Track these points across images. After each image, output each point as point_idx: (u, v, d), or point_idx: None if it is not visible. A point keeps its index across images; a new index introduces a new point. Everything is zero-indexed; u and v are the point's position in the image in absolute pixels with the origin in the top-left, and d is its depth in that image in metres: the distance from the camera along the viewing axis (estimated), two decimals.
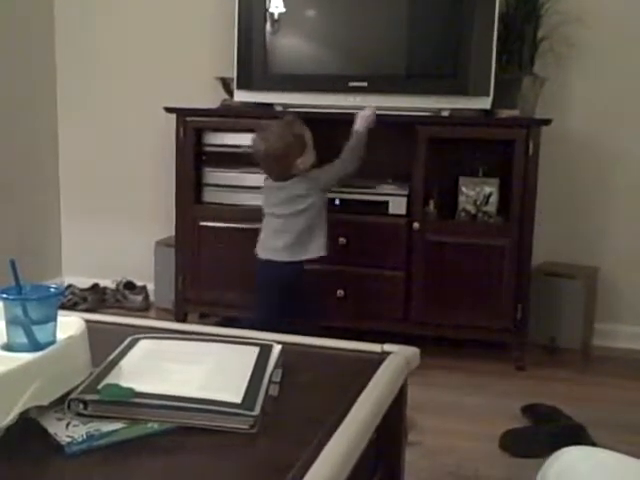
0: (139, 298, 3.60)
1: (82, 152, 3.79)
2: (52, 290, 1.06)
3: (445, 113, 2.93)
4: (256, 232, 2.99)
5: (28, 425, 0.94)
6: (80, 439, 0.91)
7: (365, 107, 2.74)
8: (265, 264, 2.64)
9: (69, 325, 1.07)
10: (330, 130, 2.77)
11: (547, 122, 2.81)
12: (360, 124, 2.68)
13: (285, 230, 2.60)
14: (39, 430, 0.94)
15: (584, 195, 3.22)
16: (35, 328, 1.01)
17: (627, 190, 3.18)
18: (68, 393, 0.98)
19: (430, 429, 2.29)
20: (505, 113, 2.92)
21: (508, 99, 2.96)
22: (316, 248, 2.62)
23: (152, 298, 3.62)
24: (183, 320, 3.20)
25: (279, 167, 2.59)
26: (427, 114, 2.94)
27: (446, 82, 2.92)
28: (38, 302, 1.03)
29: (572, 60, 3.14)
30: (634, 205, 3.18)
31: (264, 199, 2.70)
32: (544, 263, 3.17)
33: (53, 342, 1.02)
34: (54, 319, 1.04)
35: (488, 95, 2.85)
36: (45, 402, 0.94)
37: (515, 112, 2.93)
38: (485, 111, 2.94)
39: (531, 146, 2.79)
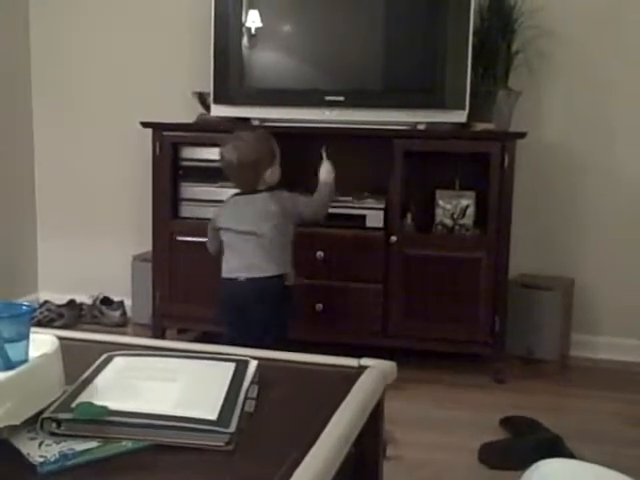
0: (116, 314, 3.56)
1: (58, 167, 3.76)
2: (24, 308, 1.05)
3: (421, 127, 2.94)
4: None
5: (0, 445, 0.92)
6: (53, 459, 0.90)
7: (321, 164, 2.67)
8: (241, 283, 2.51)
9: (42, 343, 1.06)
10: (307, 144, 2.79)
11: (522, 135, 2.84)
12: (326, 177, 2.63)
13: (256, 248, 2.50)
14: (11, 450, 0.92)
15: (559, 207, 3.25)
16: (7, 346, 0.99)
17: (601, 202, 3.21)
18: (41, 412, 0.97)
19: (409, 443, 2.28)
20: (481, 126, 2.94)
21: (484, 112, 2.98)
22: (282, 267, 2.55)
23: (129, 314, 3.59)
24: (161, 336, 3.18)
25: (248, 176, 2.53)
26: (403, 128, 2.95)
27: (422, 96, 2.94)
28: (10, 320, 1.01)
29: (546, 73, 3.18)
30: (608, 216, 3.21)
31: (228, 217, 2.57)
32: (521, 275, 3.19)
33: (26, 360, 1.01)
34: (27, 337, 1.02)
35: (464, 109, 2.87)
36: (17, 421, 0.93)
37: (490, 125, 2.96)
38: (461, 124, 2.96)
39: (506, 159, 2.81)
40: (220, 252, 2.62)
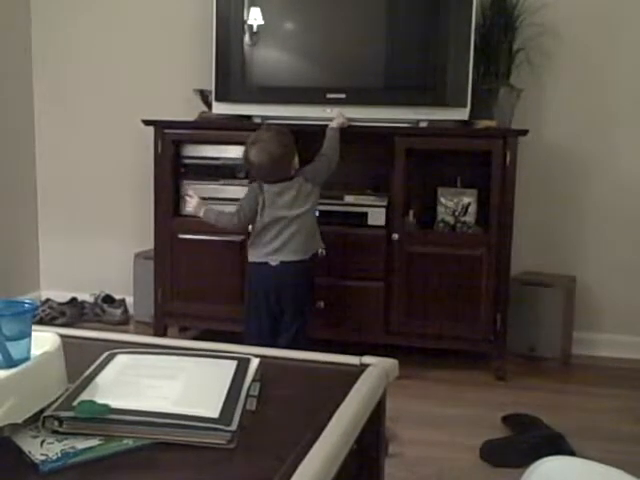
0: (118, 312, 3.57)
1: (60, 165, 3.76)
2: (26, 306, 1.05)
3: (423, 124, 2.94)
4: (235, 244, 2.99)
5: (1, 443, 0.92)
6: (55, 457, 0.90)
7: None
8: (278, 267, 2.64)
9: (44, 341, 1.06)
10: (308, 142, 2.78)
11: (524, 133, 2.83)
12: (334, 122, 2.85)
13: (298, 230, 2.64)
14: (13, 448, 0.92)
15: (561, 204, 3.25)
16: (9, 344, 0.99)
17: (603, 199, 3.21)
18: (43, 410, 0.97)
19: (410, 440, 2.29)
20: (483, 124, 2.94)
21: (485, 110, 2.98)
22: (317, 242, 2.75)
23: (131, 311, 3.59)
24: (163, 334, 3.18)
25: (282, 170, 2.65)
26: (405, 125, 2.95)
27: (424, 93, 2.93)
28: (12, 318, 1.01)
29: (547, 71, 3.18)
30: (610, 214, 3.21)
31: (266, 207, 2.66)
32: (522, 273, 3.19)
33: (27, 358, 1.01)
34: (28, 335, 1.02)
35: (465, 106, 2.87)
36: (19, 420, 0.93)
37: (492, 123, 2.95)
38: (463, 122, 2.96)
39: (508, 156, 2.81)
40: (239, 227, 2.77)
